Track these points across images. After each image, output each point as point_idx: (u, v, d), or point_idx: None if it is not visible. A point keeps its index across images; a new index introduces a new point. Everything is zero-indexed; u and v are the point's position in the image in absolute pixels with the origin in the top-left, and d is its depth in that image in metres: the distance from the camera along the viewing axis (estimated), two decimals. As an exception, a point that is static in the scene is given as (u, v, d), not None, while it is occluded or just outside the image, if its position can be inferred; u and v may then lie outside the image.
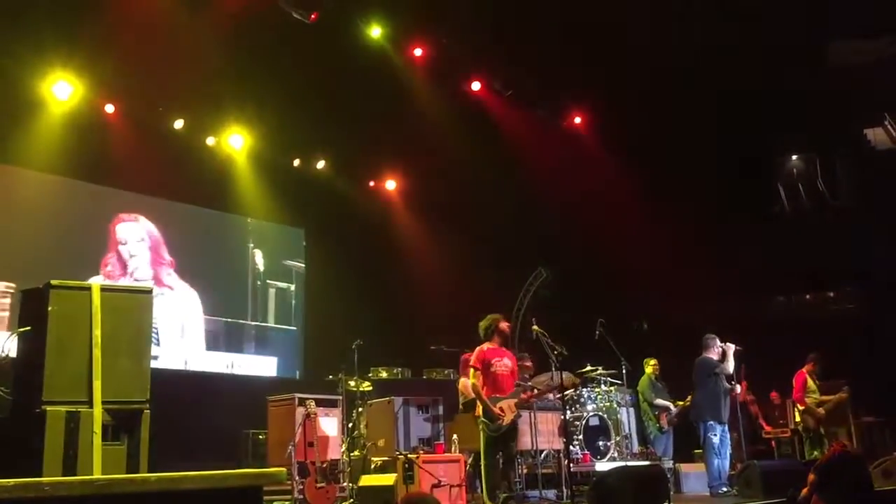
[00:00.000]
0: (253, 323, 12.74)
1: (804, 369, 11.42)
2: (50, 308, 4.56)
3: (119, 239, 11.41)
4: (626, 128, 12.64)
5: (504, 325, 7.90)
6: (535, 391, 8.19)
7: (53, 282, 4.66)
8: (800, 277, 13.34)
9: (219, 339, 12.27)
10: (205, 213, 12.73)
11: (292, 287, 13.29)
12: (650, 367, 10.99)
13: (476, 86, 12.89)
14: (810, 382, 11.28)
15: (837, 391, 11.40)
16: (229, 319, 12.42)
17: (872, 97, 12.56)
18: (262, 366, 12.73)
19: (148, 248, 11.63)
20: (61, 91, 10.52)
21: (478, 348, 7.77)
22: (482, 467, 7.53)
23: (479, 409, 7.53)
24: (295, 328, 13.29)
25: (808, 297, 13.75)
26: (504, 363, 7.70)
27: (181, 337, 11.72)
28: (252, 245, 12.90)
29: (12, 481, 3.38)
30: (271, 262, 13.14)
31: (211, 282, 12.33)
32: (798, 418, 11.48)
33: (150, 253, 11.65)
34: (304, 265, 13.51)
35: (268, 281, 13.10)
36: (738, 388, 9.94)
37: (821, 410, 11.09)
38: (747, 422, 12.14)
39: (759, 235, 12.94)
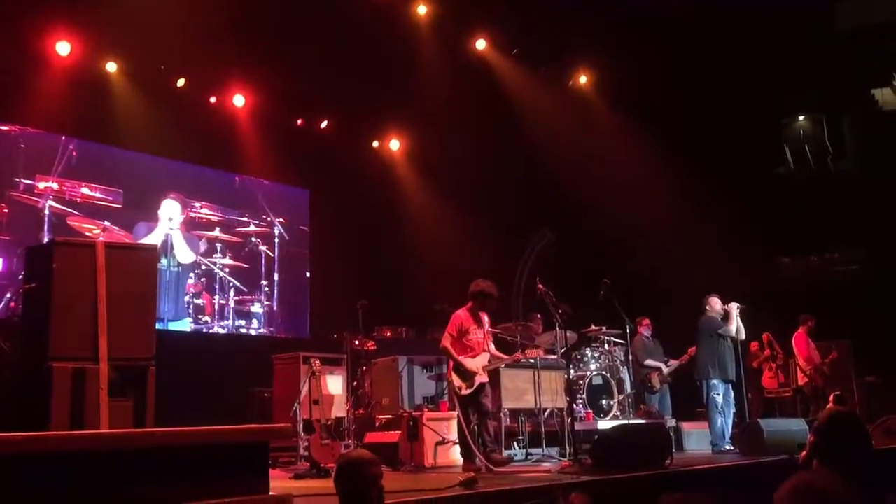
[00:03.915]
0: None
1: (802, 330, 11.46)
2: (55, 265, 4.58)
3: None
4: (632, 88, 12.52)
5: (494, 301, 7.85)
6: (505, 357, 8.13)
7: (58, 239, 4.67)
8: (804, 239, 13.31)
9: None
10: (206, 173, 12.73)
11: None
12: (643, 326, 10.93)
13: (481, 44, 12.74)
14: (811, 342, 11.35)
15: (829, 352, 11.50)
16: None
17: (880, 57, 12.42)
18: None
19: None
20: (62, 49, 10.46)
21: (456, 314, 7.73)
22: (458, 426, 7.60)
23: (450, 373, 7.58)
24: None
25: (812, 258, 13.72)
26: (478, 334, 7.69)
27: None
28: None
29: (21, 435, 3.42)
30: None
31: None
32: (803, 378, 11.53)
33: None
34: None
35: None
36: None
37: (825, 369, 11.17)
38: (759, 381, 12.25)
39: (765, 197, 12.89)
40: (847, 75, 12.69)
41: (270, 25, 10.75)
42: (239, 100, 12.45)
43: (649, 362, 10.73)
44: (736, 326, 9.51)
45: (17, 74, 10.28)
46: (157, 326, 11.07)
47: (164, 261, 11.63)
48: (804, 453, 5.83)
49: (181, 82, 11.75)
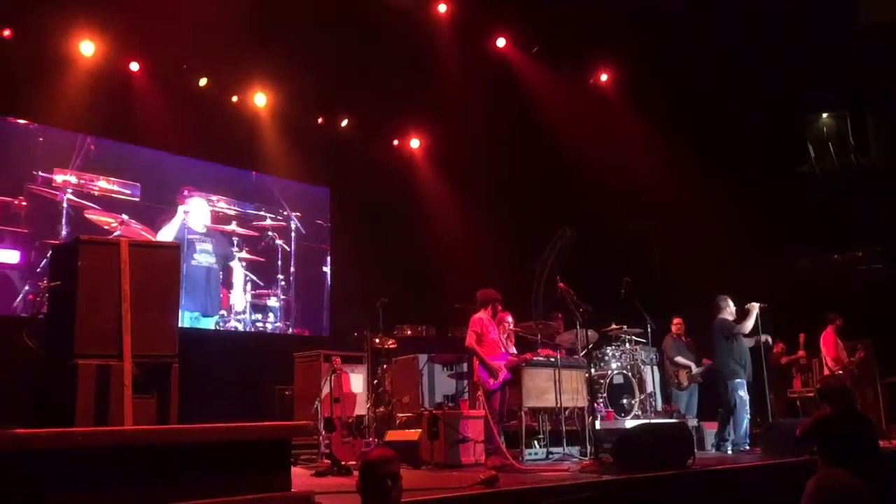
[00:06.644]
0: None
1: (830, 329, 11.35)
2: (80, 263, 4.62)
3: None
4: (653, 86, 12.44)
5: (500, 306, 8.28)
6: (521, 357, 8.53)
7: (83, 237, 4.71)
8: (827, 237, 13.18)
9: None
10: (224, 168, 12.79)
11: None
12: (674, 325, 10.99)
13: (501, 42, 12.73)
14: (839, 341, 11.24)
15: (856, 351, 11.38)
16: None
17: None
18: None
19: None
20: (86, 49, 10.56)
21: (476, 317, 8.13)
22: (485, 421, 7.90)
23: (476, 368, 8.10)
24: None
25: (836, 256, 13.58)
26: (496, 335, 8.18)
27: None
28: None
29: (46, 431, 3.46)
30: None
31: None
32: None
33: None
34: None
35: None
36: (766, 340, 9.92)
37: (854, 369, 11.06)
38: (781, 381, 12.16)
39: (787, 194, 12.77)
40: (871, 71, 12.53)
41: (292, 25, 10.77)
42: (260, 99, 12.50)
43: (678, 359, 10.72)
44: (752, 325, 9.51)
45: (41, 73, 10.37)
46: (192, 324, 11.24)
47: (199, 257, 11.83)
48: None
49: (203, 81, 11.82)
